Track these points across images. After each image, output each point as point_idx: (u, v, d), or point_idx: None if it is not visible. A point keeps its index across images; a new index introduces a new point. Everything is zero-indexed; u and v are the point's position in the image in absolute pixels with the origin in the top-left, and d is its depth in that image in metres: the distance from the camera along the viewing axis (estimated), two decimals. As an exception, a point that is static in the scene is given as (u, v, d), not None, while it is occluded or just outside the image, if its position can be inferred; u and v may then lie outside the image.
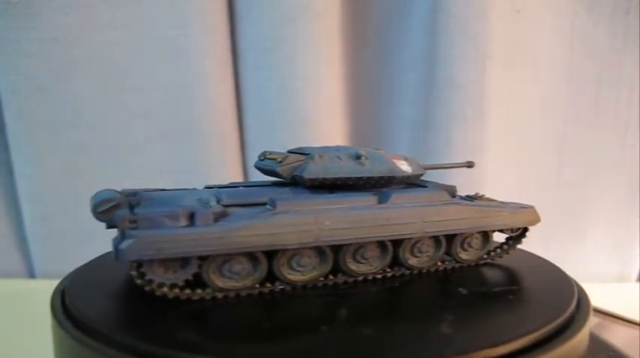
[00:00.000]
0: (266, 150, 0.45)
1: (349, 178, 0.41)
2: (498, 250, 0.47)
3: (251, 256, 0.37)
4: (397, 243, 0.41)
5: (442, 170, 0.53)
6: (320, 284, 0.40)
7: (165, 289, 0.36)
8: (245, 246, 0.35)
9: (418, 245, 0.42)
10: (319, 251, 0.39)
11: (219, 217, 0.36)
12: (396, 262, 0.42)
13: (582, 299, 0.39)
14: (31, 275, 0.83)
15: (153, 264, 0.35)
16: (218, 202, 0.39)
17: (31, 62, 0.72)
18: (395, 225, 0.40)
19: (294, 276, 0.39)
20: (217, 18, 0.72)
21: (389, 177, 0.42)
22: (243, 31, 0.74)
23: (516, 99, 0.75)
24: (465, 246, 0.45)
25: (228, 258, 0.36)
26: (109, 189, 0.39)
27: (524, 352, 0.31)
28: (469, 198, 0.45)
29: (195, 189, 0.43)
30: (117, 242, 0.34)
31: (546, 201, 0.76)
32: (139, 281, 0.35)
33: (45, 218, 0.78)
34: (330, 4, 0.72)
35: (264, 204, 0.38)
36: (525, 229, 0.47)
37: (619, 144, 0.77)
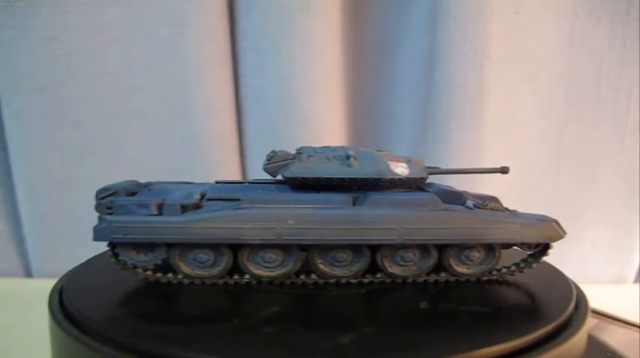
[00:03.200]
0: (274, 149, 0.45)
1: (330, 179, 0.40)
2: (513, 267, 0.42)
3: (216, 247, 0.39)
4: (377, 249, 0.40)
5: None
6: (288, 282, 0.40)
7: (139, 270, 0.40)
8: (205, 237, 0.38)
9: (401, 252, 0.40)
10: (286, 249, 0.39)
11: (192, 209, 0.39)
12: (378, 268, 0.41)
13: (581, 300, 0.39)
14: (28, 274, 0.83)
15: (126, 247, 0.39)
16: (202, 196, 0.41)
17: (30, 61, 0.72)
18: (367, 229, 0.38)
19: (262, 272, 0.40)
20: (216, 17, 0.72)
21: (375, 179, 0.40)
22: (242, 30, 0.74)
23: (515, 100, 0.75)
24: (464, 258, 0.41)
25: (193, 247, 0.39)
26: (129, 180, 0.44)
27: (522, 352, 0.31)
28: (475, 206, 0.41)
29: (205, 183, 0.46)
30: (95, 225, 0.38)
31: (545, 202, 0.76)
32: (112, 261, 0.40)
33: (42, 217, 0.78)
34: (330, 4, 0.72)
35: None
36: (547, 246, 0.42)
37: (618, 146, 0.77)
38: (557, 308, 0.36)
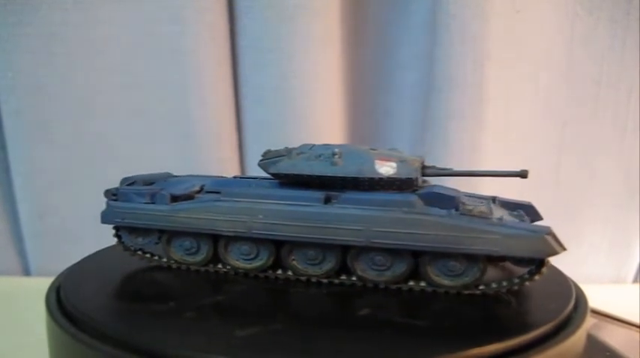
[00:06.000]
0: (287, 146, 0.45)
1: (311, 176, 0.40)
2: (504, 282, 0.38)
3: (198, 236, 0.42)
4: (347, 250, 0.39)
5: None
6: (263, 275, 0.41)
7: (139, 253, 0.44)
8: (186, 226, 0.40)
9: (372, 255, 0.39)
10: (259, 243, 0.40)
11: (184, 200, 0.42)
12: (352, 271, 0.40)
13: (580, 299, 0.39)
14: (27, 272, 0.83)
15: (126, 230, 0.44)
16: (201, 188, 0.44)
17: (28, 59, 0.72)
18: (334, 228, 0.37)
19: (239, 263, 0.42)
20: (216, 15, 0.72)
21: (353, 178, 0.39)
22: (242, 28, 0.74)
23: (515, 99, 0.75)
24: (442, 268, 0.38)
25: (179, 234, 0.42)
26: (162, 172, 0.49)
27: (522, 350, 0.31)
28: (461, 212, 0.37)
29: (224, 177, 0.50)
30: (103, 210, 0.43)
31: (544, 202, 0.76)
32: (116, 242, 0.44)
33: (41, 216, 0.78)
34: (330, 2, 0.72)
35: None
36: (542, 262, 0.37)
37: (618, 145, 0.77)
38: (556, 308, 0.36)
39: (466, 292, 0.38)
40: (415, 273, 0.39)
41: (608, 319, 0.54)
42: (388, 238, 0.37)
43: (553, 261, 0.46)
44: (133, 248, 0.44)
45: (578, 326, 0.35)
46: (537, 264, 0.37)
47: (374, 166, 0.40)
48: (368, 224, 0.37)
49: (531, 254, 0.36)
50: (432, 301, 0.38)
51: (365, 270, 0.40)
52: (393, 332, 0.33)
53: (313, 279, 0.40)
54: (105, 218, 0.43)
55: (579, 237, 0.81)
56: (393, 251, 0.38)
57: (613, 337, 0.50)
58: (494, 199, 0.44)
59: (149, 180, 0.46)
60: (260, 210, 0.39)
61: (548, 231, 0.35)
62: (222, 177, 0.50)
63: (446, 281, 0.38)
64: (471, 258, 0.37)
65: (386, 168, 0.40)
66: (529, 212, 0.43)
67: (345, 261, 0.40)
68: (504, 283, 0.38)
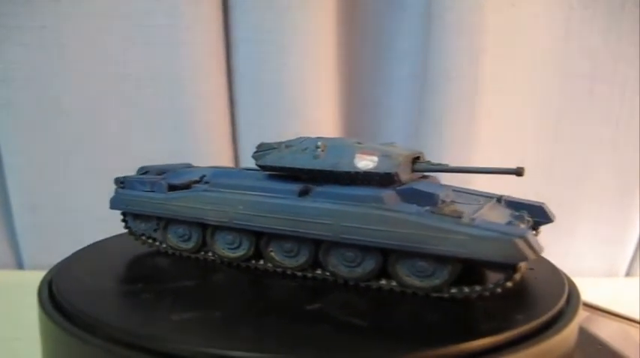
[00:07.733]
0: (290, 140, 0.44)
1: (292, 169, 0.41)
2: (477, 287, 0.35)
3: (189, 224, 0.43)
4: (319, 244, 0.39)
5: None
6: (244, 265, 0.42)
7: (142, 238, 0.47)
8: (177, 213, 0.42)
9: (342, 251, 0.38)
10: (242, 233, 0.41)
11: (182, 189, 0.43)
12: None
13: (572, 293, 0.39)
14: (20, 266, 0.82)
15: (130, 216, 0.47)
16: (201, 179, 0.46)
17: (20, 50, 0.71)
18: (305, 221, 0.37)
19: (224, 252, 0.43)
20: (210, 7, 0.72)
21: (329, 171, 0.39)
22: (236, 21, 0.74)
23: (509, 93, 0.75)
24: (411, 268, 0.36)
25: (173, 221, 0.44)
26: (182, 163, 0.52)
27: (514, 344, 0.31)
28: (431, 210, 0.35)
29: (230, 168, 0.52)
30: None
31: (539, 196, 0.76)
32: (123, 226, 0.47)
33: (34, 208, 0.78)
34: (325, -4, 0.72)
35: None
36: (514, 269, 0.34)
37: (612, 140, 0.78)
38: (549, 301, 0.36)
39: (434, 295, 0.36)
40: (387, 272, 0.38)
41: (600, 312, 0.55)
42: (356, 234, 0.36)
43: (546, 254, 0.46)
44: (137, 233, 0.47)
45: (570, 320, 0.35)
46: (509, 269, 0.34)
47: (353, 160, 0.39)
48: (337, 219, 0.36)
49: (499, 258, 0.32)
50: (399, 302, 0.36)
51: (336, 266, 0.39)
52: (330, 328, 0.32)
53: (289, 272, 0.41)
54: (112, 204, 0.46)
55: (573, 231, 0.81)
56: (364, 247, 0.37)
57: (605, 330, 0.50)
58: (499, 198, 0.42)
59: (162, 170, 0.48)
60: (240, 201, 0.40)
61: (521, 235, 0.32)
62: (231, 168, 0.51)
63: (416, 282, 0.36)
64: (440, 259, 0.35)
65: (365, 163, 0.39)
66: (537, 213, 0.41)
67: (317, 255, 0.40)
68: (477, 288, 0.35)
